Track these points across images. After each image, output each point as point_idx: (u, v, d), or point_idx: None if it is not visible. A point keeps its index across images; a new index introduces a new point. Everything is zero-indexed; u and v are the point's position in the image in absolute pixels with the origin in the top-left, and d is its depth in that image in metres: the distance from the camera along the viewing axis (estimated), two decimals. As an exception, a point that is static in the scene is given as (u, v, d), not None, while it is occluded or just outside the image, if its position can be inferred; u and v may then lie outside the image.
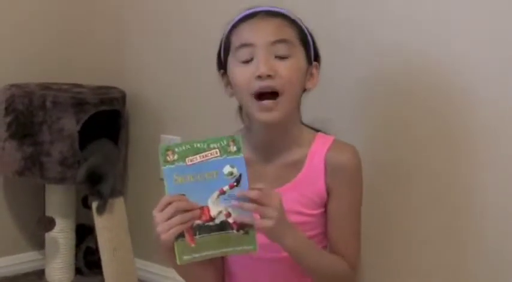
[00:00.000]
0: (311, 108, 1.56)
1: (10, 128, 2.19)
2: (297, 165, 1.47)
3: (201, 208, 1.27)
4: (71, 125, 2.16)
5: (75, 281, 2.37)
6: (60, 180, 2.19)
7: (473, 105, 1.56)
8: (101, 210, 2.15)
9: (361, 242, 1.52)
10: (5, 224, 2.42)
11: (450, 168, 1.61)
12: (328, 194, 1.47)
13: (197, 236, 1.28)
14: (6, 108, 2.20)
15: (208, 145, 1.28)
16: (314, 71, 1.48)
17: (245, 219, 1.28)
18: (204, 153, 1.28)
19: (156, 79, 2.30)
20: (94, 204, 2.15)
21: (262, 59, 1.38)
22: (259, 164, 1.48)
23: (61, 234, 2.31)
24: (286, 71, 1.39)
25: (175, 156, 1.28)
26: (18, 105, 2.18)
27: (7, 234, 2.42)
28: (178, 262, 1.28)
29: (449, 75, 1.59)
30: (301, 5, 1.51)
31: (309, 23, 1.48)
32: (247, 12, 1.46)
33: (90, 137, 2.23)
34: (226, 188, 1.28)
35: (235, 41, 1.43)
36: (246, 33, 1.42)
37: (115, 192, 2.18)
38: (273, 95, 1.39)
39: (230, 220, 1.28)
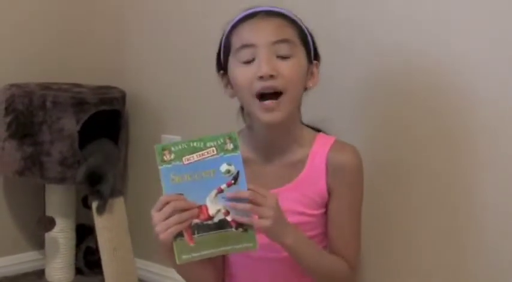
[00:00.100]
0: (311, 108, 1.56)
1: (10, 128, 2.19)
2: (298, 165, 1.47)
3: (199, 207, 1.27)
4: (71, 124, 2.16)
5: (75, 280, 2.37)
6: (60, 180, 2.19)
7: (473, 105, 1.56)
8: (101, 210, 2.15)
9: (361, 242, 1.52)
10: (5, 223, 2.42)
11: (450, 168, 1.61)
12: (329, 194, 1.47)
13: (196, 235, 1.28)
14: (6, 108, 2.20)
15: (204, 144, 1.28)
16: (314, 70, 1.48)
17: (243, 219, 1.28)
18: (200, 152, 1.28)
19: (156, 79, 2.30)
20: (94, 204, 2.15)
21: (264, 60, 1.38)
22: (260, 163, 1.48)
23: (61, 234, 2.31)
24: (288, 70, 1.39)
25: (172, 156, 1.28)
26: (18, 105, 2.18)
27: (7, 234, 2.43)
28: (177, 262, 1.28)
29: (449, 75, 1.59)
30: (301, 5, 1.51)
31: (309, 23, 1.48)
32: (247, 12, 1.45)
33: (90, 137, 2.23)
34: (224, 186, 1.28)
35: (236, 41, 1.42)
36: (246, 33, 1.41)
37: (115, 192, 2.18)
38: (275, 95, 1.39)
39: (229, 218, 1.28)
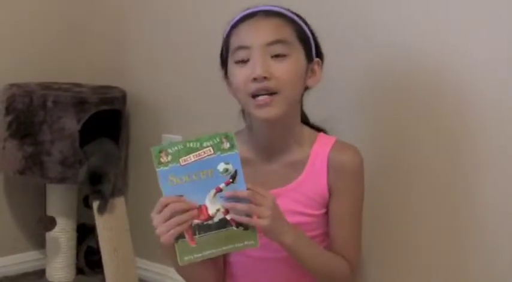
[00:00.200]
0: (311, 108, 1.56)
1: (11, 128, 2.19)
2: (298, 166, 1.47)
3: (199, 207, 1.28)
4: (71, 124, 2.16)
5: (76, 280, 2.37)
6: (61, 179, 2.19)
7: (472, 106, 1.56)
8: (101, 209, 2.15)
9: (361, 242, 1.52)
10: (5, 223, 2.42)
11: (450, 168, 1.61)
12: (330, 194, 1.47)
13: (197, 236, 1.28)
14: (6, 108, 2.20)
15: (201, 144, 1.28)
16: (316, 67, 1.48)
17: (241, 219, 1.28)
18: (197, 153, 1.28)
19: (157, 78, 2.30)
20: (95, 204, 2.16)
21: (257, 61, 1.38)
22: (260, 164, 1.48)
23: (62, 234, 2.31)
24: (282, 71, 1.39)
25: (169, 158, 1.27)
26: (18, 104, 2.18)
27: (8, 234, 2.43)
28: (179, 263, 1.29)
29: (449, 75, 1.59)
30: (301, 5, 1.51)
31: (309, 23, 1.48)
32: (246, 12, 1.46)
33: (91, 136, 2.23)
34: (222, 185, 1.28)
35: (234, 42, 1.43)
36: (244, 34, 1.42)
37: (116, 192, 2.18)
38: (269, 95, 1.39)
39: (229, 217, 1.28)
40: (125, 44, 2.39)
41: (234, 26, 1.45)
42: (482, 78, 1.54)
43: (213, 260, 1.42)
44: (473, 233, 1.59)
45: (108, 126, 2.28)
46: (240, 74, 1.41)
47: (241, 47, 1.41)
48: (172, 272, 1.63)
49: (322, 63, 1.50)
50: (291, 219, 1.38)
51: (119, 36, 2.41)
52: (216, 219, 1.28)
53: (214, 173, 1.28)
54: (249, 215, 1.28)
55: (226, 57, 1.46)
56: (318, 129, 1.55)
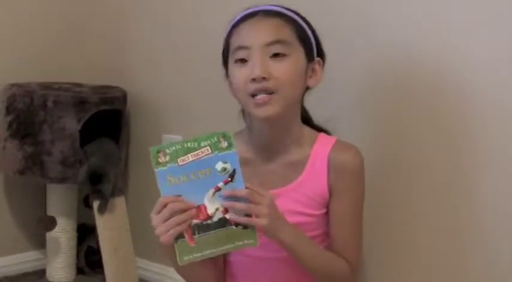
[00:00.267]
0: (312, 108, 1.56)
1: (11, 127, 2.19)
2: (299, 166, 1.47)
3: (198, 207, 1.28)
4: (71, 124, 2.16)
5: (76, 280, 2.37)
6: (61, 179, 2.19)
7: (473, 105, 1.56)
8: (102, 209, 2.15)
9: (362, 242, 1.52)
10: (6, 223, 2.42)
11: (450, 168, 1.61)
12: (330, 194, 1.47)
13: (196, 235, 1.28)
14: (7, 108, 2.20)
15: (199, 143, 1.28)
16: (316, 67, 1.48)
17: (240, 218, 1.28)
18: (195, 152, 1.28)
19: (157, 78, 2.30)
20: (95, 204, 2.16)
21: (256, 62, 1.38)
22: (260, 164, 1.48)
23: (62, 234, 2.31)
24: (281, 71, 1.39)
25: (167, 158, 1.28)
26: (19, 104, 2.18)
27: (8, 234, 2.43)
28: (179, 263, 1.29)
29: (449, 75, 1.59)
30: (302, 4, 1.51)
31: (310, 23, 1.48)
32: (247, 12, 1.46)
33: (91, 136, 2.23)
34: (221, 184, 1.28)
35: (234, 42, 1.43)
36: (243, 34, 1.42)
37: (116, 192, 2.19)
38: (268, 94, 1.39)
39: (228, 216, 1.28)
40: (125, 44, 2.39)
41: (235, 26, 1.45)
42: (483, 77, 1.54)
43: (212, 260, 1.42)
44: (473, 233, 1.59)
45: (108, 126, 2.28)
46: (239, 74, 1.41)
47: (241, 47, 1.41)
48: (172, 272, 1.63)
49: (324, 62, 1.50)
50: (291, 219, 1.38)
51: (119, 36, 2.41)
52: (215, 219, 1.28)
53: (212, 172, 1.28)
54: (248, 214, 1.28)
55: (227, 56, 1.46)
56: (320, 130, 1.55)
